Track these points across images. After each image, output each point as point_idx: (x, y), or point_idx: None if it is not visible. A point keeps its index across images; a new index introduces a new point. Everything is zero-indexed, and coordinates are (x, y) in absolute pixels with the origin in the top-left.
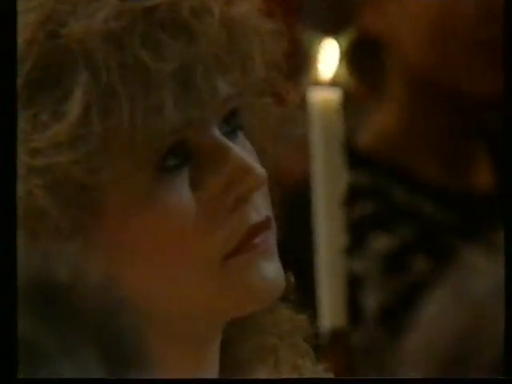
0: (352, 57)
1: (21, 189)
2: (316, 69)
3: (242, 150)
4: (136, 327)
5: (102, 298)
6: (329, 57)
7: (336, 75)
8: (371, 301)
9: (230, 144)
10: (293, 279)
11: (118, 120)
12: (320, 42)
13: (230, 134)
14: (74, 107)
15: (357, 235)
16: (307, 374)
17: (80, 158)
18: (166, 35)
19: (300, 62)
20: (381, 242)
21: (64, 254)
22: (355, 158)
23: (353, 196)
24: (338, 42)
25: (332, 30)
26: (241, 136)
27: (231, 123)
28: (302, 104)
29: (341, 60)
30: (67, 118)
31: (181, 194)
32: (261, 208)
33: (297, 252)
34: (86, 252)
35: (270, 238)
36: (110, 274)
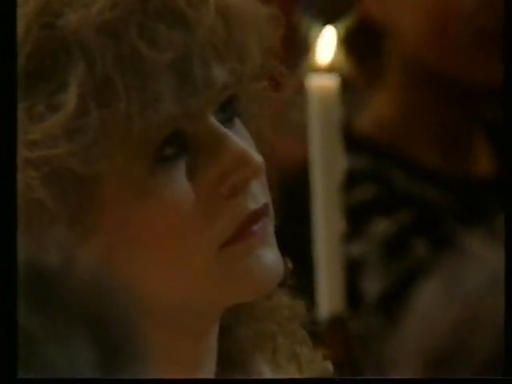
0: (351, 43)
1: (18, 181)
2: (314, 54)
3: (238, 138)
4: (130, 315)
5: (96, 286)
6: (327, 42)
7: (335, 62)
8: (370, 286)
9: (227, 132)
10: (290, 265)
11: (115, 111)
12: (318, 28)
13: (227, 121)
14: (70, 99)
15: (356, 220)
16: (305, 362)
17: (76, 150)
18: (161, 25)
19: (298, 48)
20: (380, 227)
21: (58, 242)
22: (354, 143)
23: (352, 181)
24: (337, 28)
25: (331, 16)
26: (238, 123)
27: (228, 111)
28: (300, 89)
29: (340, 46)
30: (63, 109)
31: (178, 183)
32: (258, 195)
33: (295, 237)
34: (83, 241)
35: (268, 225)
36: (105, 263)
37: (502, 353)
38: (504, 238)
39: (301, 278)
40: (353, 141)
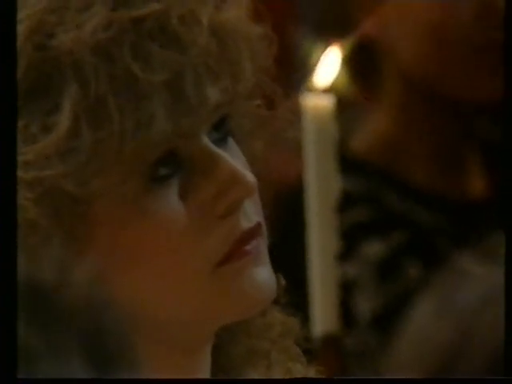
0: (348, 63)
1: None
2: (312, 75)
3: (232, 158)
4: (124, 331)
5: (90, 303)
6: (326, 63)
7: (332, 81)
8: (364, 306)
9: (220, 152)
10: (283, 282)
11: (108, 132)
12: (314, 47)
13: (220, 141)
14: (64, 119)
15: (350, 241)
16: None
17: (70, 171)
18: (155, 45)
19: (292, 66)
20: (374, 248)
21: (53, 260)
22: (349, 164)
23: (346, 202)
24: (331, 45)
25: (327, 35)
26: (231, 142)
27: (221, 130)
28: (293, 108)
29: (335, 65)
30: (56, 130)
31: (171, 203)
32: (251, 214)
33: (289, 256)
34: (77, 259)
35: (261, 244)
36: (99, 281)
37: (498, 364)
38: (502, 255)
39: (294, 296)
40: (348, 162)
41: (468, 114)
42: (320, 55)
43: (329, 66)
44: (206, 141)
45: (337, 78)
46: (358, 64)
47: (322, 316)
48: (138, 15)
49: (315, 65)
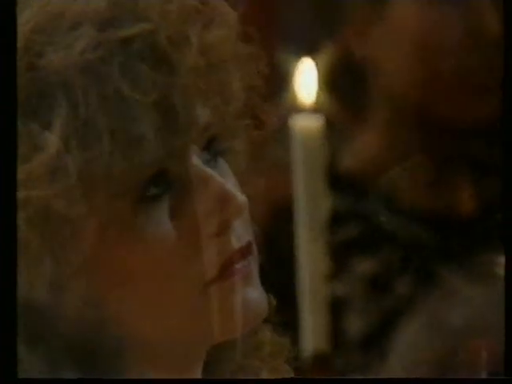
0: (334, 81)
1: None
2: (296, 92)
3: (222, 178)
4: (115, 351)
5: (82, 323)
6: (309, 80)
7: (318, 100)
8: (354, 325)
9: (211, 172)
10: (274, 301)
11: (98, 152)
12: (301, 65)
13: (211, 161)
14: (53, 139)
15: (340, 259)
16: None
17: (60, 191)
18: (144, 65)
19: (280, 85)
20: (364, 266)
21: (45, 281)
22: (338, 182)
23: (336, 220)
24: (319, 64)
25: (313, 53)
26: (221, 162)
27: (211, 150)
28: (282, 127)
29: (323, 84)
30: (46, 150)
31: (160, 223)
32: (242, 233)
33: (279, 274)
34: (68, 280)
35: (252, 264)
36: (91, 301)
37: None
38: (491, 275)
39: (285, 315)
40: (336, 180)
41: (456, 133)
42: (305, 73)
43: (313, 83)
44: (197, 161)
45: (323, 97)
46: (345, 83)
47: (312, 334)
48: (127, 35)
49: (301, 83)
